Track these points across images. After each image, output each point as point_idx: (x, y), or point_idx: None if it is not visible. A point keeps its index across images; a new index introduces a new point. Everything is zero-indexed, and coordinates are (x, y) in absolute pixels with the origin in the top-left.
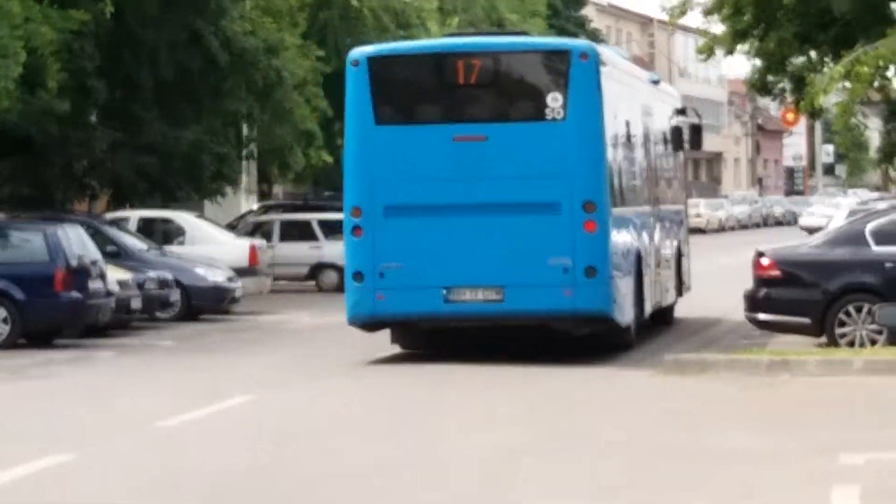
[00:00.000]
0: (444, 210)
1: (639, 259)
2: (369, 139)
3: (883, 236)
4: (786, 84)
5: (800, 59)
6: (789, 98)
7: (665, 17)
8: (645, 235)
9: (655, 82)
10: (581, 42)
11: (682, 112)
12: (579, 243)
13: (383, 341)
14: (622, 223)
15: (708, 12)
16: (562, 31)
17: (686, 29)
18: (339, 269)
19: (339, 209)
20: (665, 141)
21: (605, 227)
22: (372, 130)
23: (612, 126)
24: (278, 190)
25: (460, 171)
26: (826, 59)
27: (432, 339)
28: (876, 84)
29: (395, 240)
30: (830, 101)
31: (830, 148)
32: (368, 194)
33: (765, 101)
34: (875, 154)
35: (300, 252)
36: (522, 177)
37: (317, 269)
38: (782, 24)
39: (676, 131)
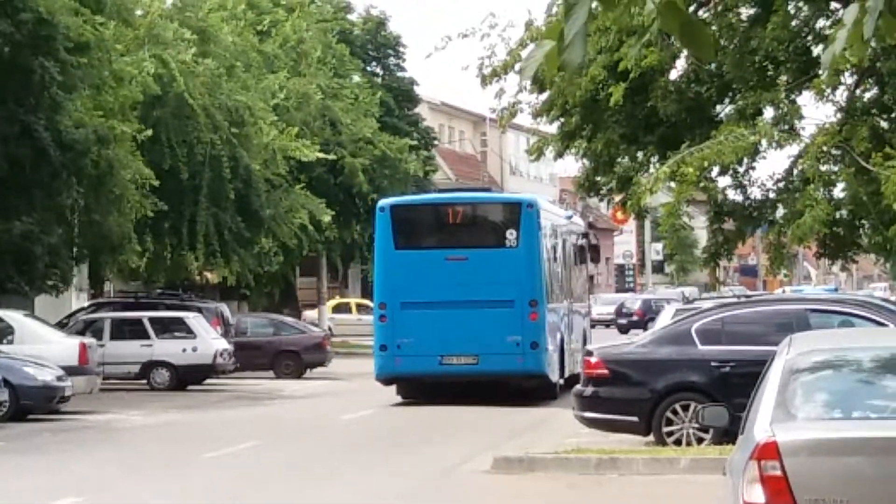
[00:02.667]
0: (439, 305)
1: (562, 338)
2: (391, 258)
3: (708, 336)
4: (613, 184)
5: (626, 160)
6: (617, 198)
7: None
8: (565, 322)
9: (569, 217)
10: (528, 196)
11: (585, 236)
12: (526, 327)
13: (206, 435)
14: (552, 314)
15: (536, 114)
16: (395, 130)
17: (518, 127)
18: (170, 367)
19: (171, 307)
20: (575, 257)
21: (543, 316)
22: (393, 253)
23: (545, 250)
24: (109, 288)
25: (450, 279)
26: (652, 160)
27: (426, 395)
28: (701, 185)
29: (407, 324)
30: (658, 200)
31: (659, 246)
32: (390, 294)
33: (595, 201)
34: (701, 254)
35: (131, 350)
36: (490, 283)
37: (148, 367)
38: (609, 126)
39: (581, 249)
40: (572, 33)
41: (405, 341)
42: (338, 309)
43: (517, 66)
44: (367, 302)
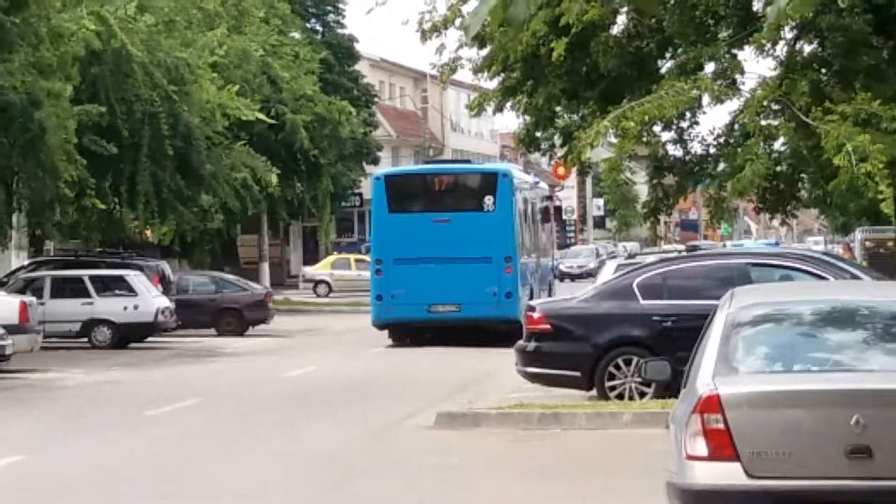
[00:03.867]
0: (427, 261)
1: (531, 289)
2: (385, 221)
3: (650, 290)
4: (554, 140)
5: (567, 116)
6: (558, 153)
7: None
8: (534, 275)
9: (536, 183)
10: (503, 166)
11: (549, 198)
12: (502, 279)
13: (148, 393)
14: (524, 267)
15: (477, 70)
16: (336, 87)
17: (459, 84)
18: (112, 325)
19: (111, 265)
20: (541, 217)
21: (516, 270)
22: (386, 216)
23: (518, 213)
24: (50, 247)
25: (436, 239)
26: (594, 115)
27: (412, 337)
28: (643, 139)
29: (400, 277)
30: (599, 155)
31: (601, 202)
32: (385, 252)
33: (536, 156)
34: (641, 209)
35: (72, 308)
36: (470, 242)
37: (89, 326)
38: (550, 81)
39: (546, 210)
40: None
41: (398, 292)
42: (337, 265)
43: (458, 22)
44: (365, 258)
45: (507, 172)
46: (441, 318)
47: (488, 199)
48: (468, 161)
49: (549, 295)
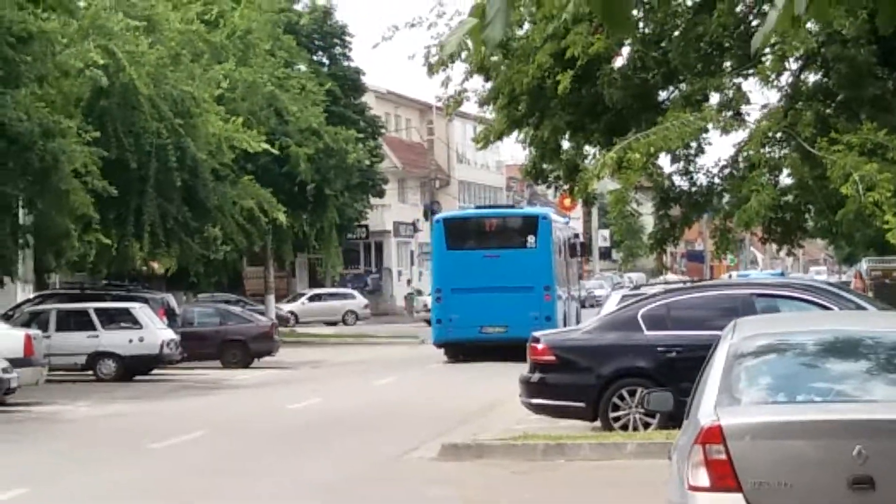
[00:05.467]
0: (479, 290)
1: (565, 313)
2: (444, 256)
3: (654, 321)
4: (560, 171)
5: (573, 148)
6: (564, 185)
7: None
8: (566, 301)
9: (567, 222)
10: (543, 210)
11: (576, 236)
12: (542, 305)
13: (152, 426)
14: (559, 296)
15: (483, 102)
16: (342, 119)
17: (465, 116)
18: (117, 358)
19: (117, 298)
20: (570, 252)
21: (553, 298)
22: (445, 252)
23: (554, 249)
24: (55, 279)
25: (487, 271)
26: (599, 147)
27: (467, 355)
28: (648, 171)
29: (456, 304)
30: (606, 186)
31: (607, 233)
32: (444, 282)
33: (542, 188)
34: (648, 240)
35: (77, 341)
36: (516, 274)
37: (95, 358)
38: (556, 113)
39: (573, 247)
40: (494, 10)
41: (455, 316)
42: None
43: (464, 55)
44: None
45: (546, 215)
46: (491, 338)
47: (531, 238)
48: (512, 206)
49: (577, 319)
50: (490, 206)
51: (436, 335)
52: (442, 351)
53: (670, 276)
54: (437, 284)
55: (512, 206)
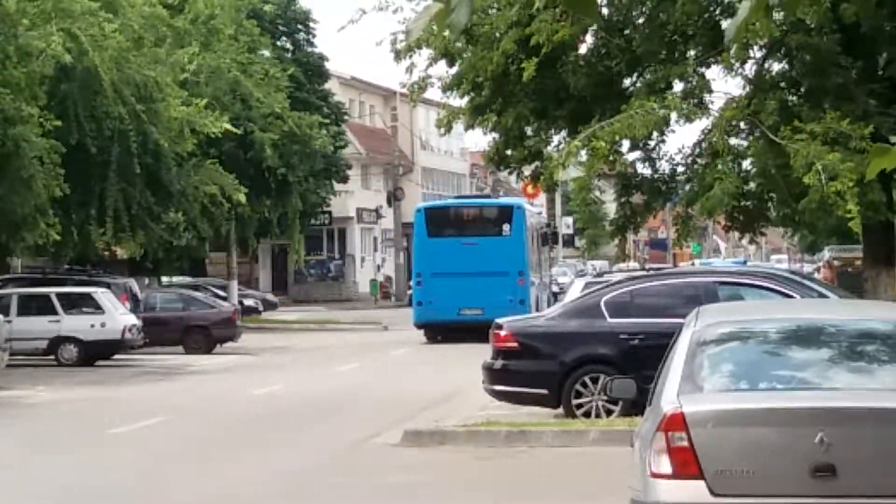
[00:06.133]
0: (457, 275)
1: (537, 296)
2: (425, 243)
3: (617, 308)
4: (523, 158)
5: (536, 135)
6: (527, 172)
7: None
8: (538, 287)
9: (539, 213)
10: (517, 201)
11: (548, 226)
12: (516, 289)
13: (114, 411)
14: (532, 281)
15: (447, 88)
16: (306, 105)
17: (429, 102)
18: (79, 343)
19: (79, 283)
20: (542, 240)
21: (527, 283)
22: (426, 240)
23: (528, 237)
24: (17, 264)
25: (465, 257)
26: (562, 134)
27: (445, 337)
28: (612, 158)
29: (436, 288)
30: (569, 174)
31: (570, 220)
32: (424, 267)
33: (505, 174)
34: (609, 227)
35: (39, 326)
36: (492, 260)
37: (56, 343)
38: (520, 100)
39: (545, 235)
40: None
41: (434, 299)
42: None
43: (429, 40)
44: None
45: (521, 206)
46: (468, 320)
47: (506, 227)
48: (489, 196)
49: (549, 303)
50: (468, 197)
51: (416, 317)
52: (412, 336)
53: (627, 265)
54: (418, 269)
55: (489, 197)
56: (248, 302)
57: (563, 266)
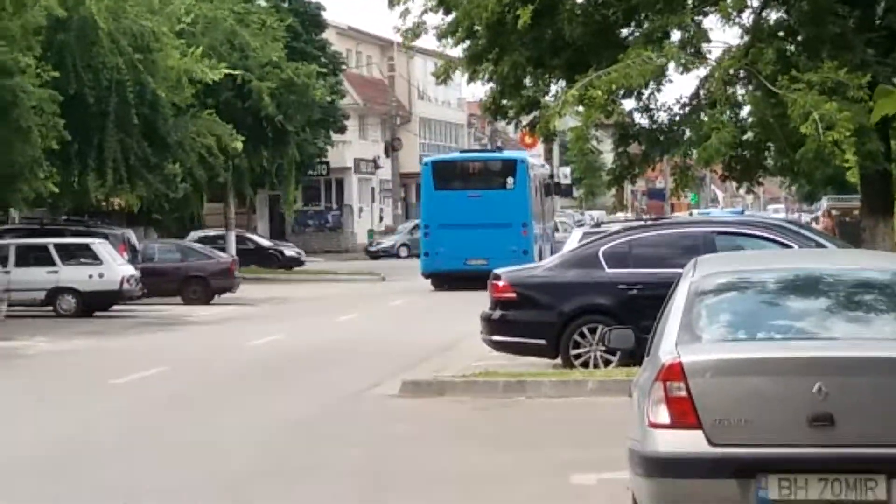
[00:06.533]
0: (464, 226)
1: (541, 247)
2: (432, 196)
3: (615, 259)
4: (520, 108)
5: (533, 84)
6: (524, 121)
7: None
8: (542, 236)
9: (542, 166)
10: (521, 154)
11: (551, 177)
12: (520, 240)
13: (113, 362)
14: (536, 231)
15: (441, 36)
16: (303, 55)
17: (426, 52)
18: (77, 293)
19: (77, 234)
20: (546, 191)
21: (531, 234)
22: (433, 192)
23: (531, 190)
24: (15, 215)
25: (470, 209)
26: (559, 83)
27: (451, 286)
28: (609, 108)
29: (443, 239)
30: (567, 123)
31: (568, 170)
32: (432, 219)
33: (502, 124)
34: (606, 176)
35: (37, 277)
36: (496, 212)
37: (54, 294)
38: (516, 49)
39: (548, 186)
40: None
41: (441, 249)
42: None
43: None
44: None
45: (525, 160)
46: (473, 269)
47: (510, 180)
48: (494, 150)
49: (552, 252)
50: (474, 151)
51: (424, 266)
52: (410, 286)
53: (625, 215)
54: (426, 220)
55: (493, 150)
56: (290, 252)
57: (562, 216)
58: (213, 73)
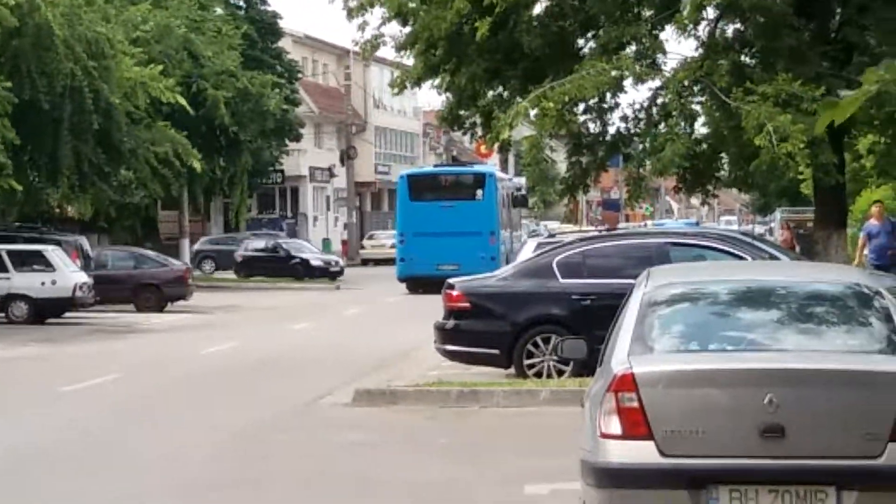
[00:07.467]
0: (436, 234)
1: (507, 254)
2: (407, 206)
3: (569, 269)
4: (477, 118)
5: (489, 94)
6: (480, 132)
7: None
8: (507, 244)
9: (510, 179)
10: (490, 169)
11: (518, 189)
12: (488, 247)
13: (65, 369)
14: (502, 240)
15: (400, 47)
16: (259, 63)
17: (382, 61)
18: (29, 300)
19: (29, 240)
20: (512, 203)
21: (497, 241)
22: (409, 203)
23: (498, 201)
24: None
25: (443, 219)
26: (515, 94)
27: (425, 289)
28: (566, 119)
29: (417, 246)
30: (522, 133)
31: (523, 180)
32: (407, 228)
33: (458, 134)
34: (559, 185)
35: None
36: (467, 221)
37: (6, 300)
38: (474, 60)
39: (515, 199)
40: None
41: (415, 256)
42: None
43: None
44: None
45: (493, 173)
46: (445, 274)
47: (479, 192)
48: (465, 164)
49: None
50: (447, 165)
51: (399, 271)
52: (363, 295)
53: (578, 227)
54: (402, 229)
55: (465, 165)
56: (316, 262)
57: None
58: (170, 95)
